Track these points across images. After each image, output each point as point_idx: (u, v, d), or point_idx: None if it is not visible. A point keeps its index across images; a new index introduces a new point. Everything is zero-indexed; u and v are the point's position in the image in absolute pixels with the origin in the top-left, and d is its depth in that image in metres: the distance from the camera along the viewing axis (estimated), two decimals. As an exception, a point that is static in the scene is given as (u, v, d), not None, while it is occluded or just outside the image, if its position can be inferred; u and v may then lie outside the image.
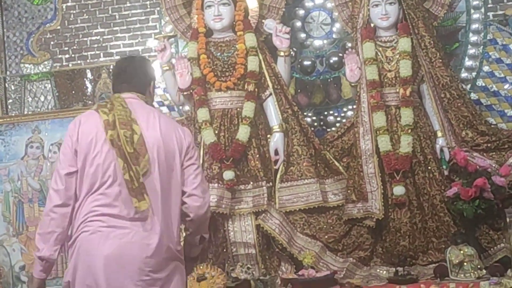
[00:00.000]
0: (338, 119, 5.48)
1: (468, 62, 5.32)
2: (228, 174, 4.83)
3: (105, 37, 5.80)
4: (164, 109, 5.60)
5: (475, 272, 4.48)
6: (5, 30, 6.02)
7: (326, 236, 4.92)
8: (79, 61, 5.86)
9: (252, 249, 4.85)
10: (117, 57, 5.64)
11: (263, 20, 5.17)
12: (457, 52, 5.34)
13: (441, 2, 5.09)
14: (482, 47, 5.32)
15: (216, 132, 4.92)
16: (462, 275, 4.48)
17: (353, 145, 4.98)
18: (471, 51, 5.32)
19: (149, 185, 3.15)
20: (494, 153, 4.88)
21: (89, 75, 5.79)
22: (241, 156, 4.90)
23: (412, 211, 4.82)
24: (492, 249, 4.76)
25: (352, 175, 4.92)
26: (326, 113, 5.51)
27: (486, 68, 5.31)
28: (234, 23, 5.09)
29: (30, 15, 6.00)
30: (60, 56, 5.90)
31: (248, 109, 4.93)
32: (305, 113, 5.34)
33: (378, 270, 4.83)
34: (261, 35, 5.17)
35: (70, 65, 5.87)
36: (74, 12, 5.91)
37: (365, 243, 4.90)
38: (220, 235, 4.92)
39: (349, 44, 5.32)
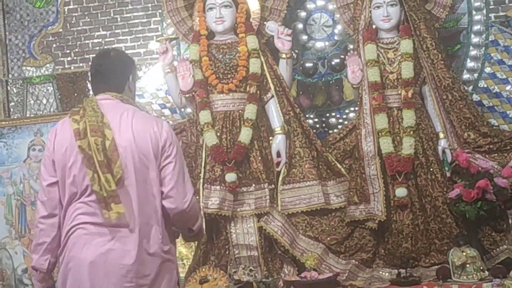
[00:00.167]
0: (340, 121, 5.48)
1: (470, 64, 5.31)
2: (230, 176, 4.83)
3: (107, 39, 5.81)
4: (166, 112, 5.62)
5: (478, 274, 4.47)
6: (7, 33, 6.04)
7: (328, 238, 4.92)
8: (81, 64, 5.87)
9: (255, 251, 4.85)
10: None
11: (265, 22, 5.17)
12: (459, 54, 5.34)
13: (443, 4, 5.08)
14: (484, 48, 5.32)
15: (218, 134, 4.93)
16: (465, 277, 4.47)
17: (355, 147, 4.98)
18: (473, 52, 5.31)
19: (125, 191, 3.12)
20: (496, 154, 4.87)
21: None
22: (243, 158, 4.90)
23: (414, 213, 4.82)
24: (494, 250, 4.75)
25: (354, 177, 4.91)
26: (328, 115, 5.51)
27: (488, 70, 5.31)
28: (236, 25, 5.09)
29: (32, 18, 6.01)
30: (62, 58, 5.91)
31: (250, 111, 4.93)
32: (307, 115, 5.35)
33: (380, 272, 4.83)
34: (263, 37, 5.17)
35: (72, 67, 5.88)
36: (76, 15, 5.92)
37: (367, 245, 4.90)
38: (223, 237, 4.92)
39: (351, 46, 5.33)
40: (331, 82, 5.52)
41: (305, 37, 5.56)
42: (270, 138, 5.04)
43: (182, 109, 5.48)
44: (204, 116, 4.94)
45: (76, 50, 5.88)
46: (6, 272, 5.54)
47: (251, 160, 4.93)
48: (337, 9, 5.23)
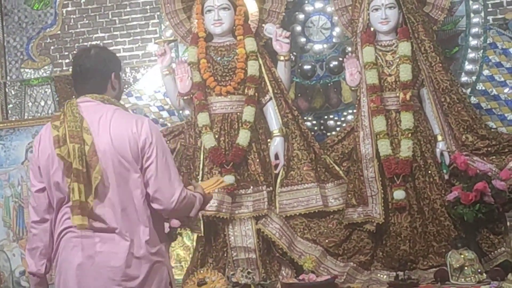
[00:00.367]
0: (338, 123, 5.48)
1: (468, 66, 5.32)
2: (229, 179, 4.82)
3: (105, 41, 5.80)
4: (164, 114, 5.61)
5: (476, 276, 4.48)
6: (5, 35, 6.03)
7: (326, 241, 4.92)
8: (79, 66, 5.85)
9: (253, 254, 4.85)
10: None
11: (263, 25, 5.18)
12: (457, 56, 5.34)
13: (441, 6, 5.08)
14: (482, 51, 5.32)
15: (216, 136, 4.93)
16: (463, 279, 4.48)
17: (353, 150, 4.98)
18: (471, 55, 5.32)
19: (106, 195, 3.09)
20: (494, 157, 4.88)
21: (89, 79, 5.78)
22: (241, 160, 4.90)
23: (413, 215, 4.82)
24: (492, 253, 4.75)
25: (352, 180, 4.92)
26: (326, 117, 5.51)
27: (486, 72, 5.31)
28: (234, 27, 5.10)
29: (30, 20, 6.01)
30: (60, 61, 5.91)
31: (248, 113, 4.93)
32: (305, 118, 5.34)
33: (378, 275, 4.83)
34: (261, 39, 5.18)
35: (70, 69, 5.86)
36: (74, 17, 5.92)
37: (365, 247, 4.90)
38: (221, 240, 4.93)
39: (349, 49, 5.33)
40: (329, 84, 5.52)
41: (303, 40, 5.56)
42: (268, 140, 5.04)
43: (180, 111, 5.48)
44: (202, 118, 4.94)
45: (74, 52, 5.85)
46: (3, 275, 5.53)
47: (249, 162, 4.93)
48: (335, 12, 5.23)
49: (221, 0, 5.04)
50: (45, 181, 3.19)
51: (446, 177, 4.88)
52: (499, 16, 5.37)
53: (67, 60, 5.86)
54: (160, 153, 3.15)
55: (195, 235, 5.07)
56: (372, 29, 5.02)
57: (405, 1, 4.95)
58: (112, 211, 3.09)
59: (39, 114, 5.88)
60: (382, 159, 4.82)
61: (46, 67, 5.96)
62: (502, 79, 5.29)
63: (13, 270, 5.53)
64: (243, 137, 4.89)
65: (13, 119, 5.87)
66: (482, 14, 5.34)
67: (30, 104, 5.93)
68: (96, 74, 3.24)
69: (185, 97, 5.06)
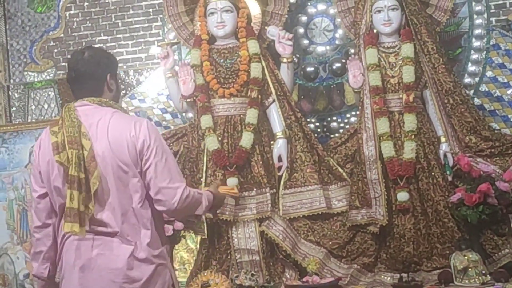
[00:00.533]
0: (342, 125, 5.47)
1: (471, 68, 5.32)
2: (232, 181, 4.82)
3: (108, 44, 5.80)
4: (168, 116, 5.62)
5: (480, 278, 4.47)
6: (8, 38, 6.04)
7: (330, 243, 4.91)
8: (82, 69, 5.86)
9: (256, 256, 4.84)
10: (121, 65, 5.66)
11: (266, 27, 5.18)
12: (460, 58, 5.34)
13: (444, 8, 5.08)
14: (485, 52, 5.32)
15: (220, 139, 4.93)
16: (467, 281, 4.47)
17: (356, 151, 4.98)
18: (474, 56, 5.32)
19: (105, 200, 3.09)
20: (498, 158, 4.87)
21: (92, 82, 5.79)
22: (245, 162, 4.90)
23: (416, 217, 4.82)
24: (496, 254, 4.75)
25: (355, 181, 4.91)
26: (329, 119, 5.51)
27: (489, 73, 5.31)
28: (237, 30, 5.10)
29: (34, 23, 6.02)
30: (63, 63, 5.91)
31: (251, 115, 4.93)
32: (308, 120, 5.35)
33: (382, 276, 4.82)
34: (264, 41, 5.18)
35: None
36: (77, 20, 5.93)
37: (369, 249, 4.89)
38: (224, 242, 4.92)
39: (352, 50, 5.33)
40: (332, 86, 5.52)
41: (306, 42, 5.56)
42: (272, 142, 5.05)
43: (184, 114, 5.49)
44: (206, 121, 4.94)
45: (76, 55, 5.87)
46: (8, 277, 5.54)
47: (253, 164, 4.93)
48: (338, 14, 5.23)
49: (224, 2, 5.04)
50: (46, 186, 3.19)
51: (450, 178, 4.87)
52: (502, 18, 5.37)
53: (70, 63, 5.86)
54: (159, 154, 3.14)
55: (199, 238, 5.08)
56: (375, 31, 5.02)
57: (408, 3, 4.95)
58: (112, 215, 3.09)
59: (42, 117, 5.89)
60: (386, 161, 4.81)
61: (49, 70, 5.97)
62: (506, 80, 5.29)
63: (17, 273, 5.54)
64: (246, 139, 4.89)
65: (17, 122, 5.88)
66: (485, 15, 5.33)
67: (33, 107, 5.94)
68: (91, 77, 3.22)
69: (188, 100, 5.06)
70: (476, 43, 5.32)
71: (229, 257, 4.91)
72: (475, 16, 5.32)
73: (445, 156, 4.91)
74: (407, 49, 4.89)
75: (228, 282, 4.61)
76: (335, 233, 4.94)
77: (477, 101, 5.24)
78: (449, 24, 5.27)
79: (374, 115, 4.87)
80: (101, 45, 5.80)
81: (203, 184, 4.86)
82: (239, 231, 4.87)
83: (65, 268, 3.18)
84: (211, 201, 3.32)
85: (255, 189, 4.89)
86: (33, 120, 5.86)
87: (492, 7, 5.36)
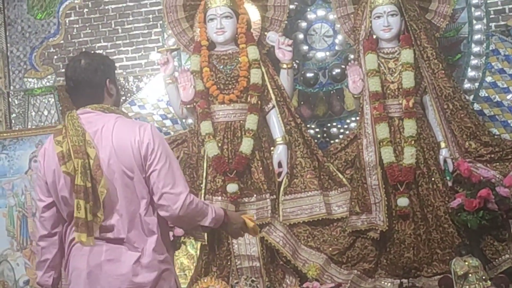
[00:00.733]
0: (341, 131, 5.48)
1: (470, 73, 5.32)
2: (232, 187, 4.83)
3: (108, 51, 5.80)
4: (168, 122, 5.62)
5: (480, 284, 4.47)
6: (8, 45, 6.05)
7: (330, 248, 4.91)
8: (82, 75, 5.86)
9: (257, 262, 4.84)
10: (120, 71, 5.67)
11: (266, 33, 5.18)
12: (460, 63, 5.34)
13: (443, 13, 5.08)
14: (484, 57, 5.32)
15: (220, 145, 4.93)
16: (467, 286, 4.47)
17: (356, 157, 4.98)
18: (474, 61, 5.32)
19: (112, 207, 3.07)
20: (497, 163, 4.88)
21: (92, 89, 5.79)
22: (245, 168, 4.90)
23: (416, 223, 4.81)
24: (496, 260, 4.74)
25: (355, 187, 4.91)
26: (329, 125, 5.51)
27: (488, 79, 5.31)
28: (237, 36, 5.10)
29: (34, 30, 6.03)
30: (63, 70, 5.83)
31: (251, 121, 4.93)
32: (308, 125, 5.35)
33: (382, 282, 4.82)
34: (263, 47, 5.18)
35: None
36: (77, 26, 5.93)
37: (369, 255, 4.89)
38: (224, 248, 4.92)
39: (352, 56, 5.34)
40: (332, 92, 5.52)
41: (305, 47, 5.57)
42: (272, 148, 5.05)
43: (184, 120, 5.48)
44: (206, 127, 4.94)
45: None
46: (8, 284, 5.53)
47: (253, 170, 4.93)
48: (338, 19, 5.23)
49: (224, 8, 5.05)
50: (53, 196, 3.18)
51: (450, 184, 4.87)
52: (502, 23, 5.38)
53: (70, 70, 5.87)
54: (162, 159, 3.11)
55: (199, 244, 5.08)
56: (374, 36, 5.02)
57: (407, 9, 4.95)
58: (120, 222, 3.08)
59: (42, 124, 5.89)
60: (386, 166, 4.81)
61: (49, 77, 5.97)
62: (505, 86, 5.30)
63: (17, 279, 5.53)
64: (246, 145, 4.89)
65: (17, 129, 5.87)
66: (484, 20, 5.34)
67: (33, 113, 5.94)
68: (90, 85, 3.19)
69: (188, 106, 5.07)
70: (475, 49, 5.32)
71: (229, 263, 4.91)
72: (474, 22, 5.33)
73: (445, 161, 4.91)
74: (407, 55, 4.90)
75: (228, 288, 4.61)
76: (335, 239, 4.93)
77: (477, 106, 5.25)
78: (448, 29, 5.28)
79: (374, 120, 4.87)
80: (101, 51, 5.80)
81: (203, 190, 4.86)
82: (239, 237, 4.86)
83: (72, 274, 3.17)
84: (221, 215, 3.25)
85: (255, 195, 4.89)
86: (33, 127, 5.86)
87: (492, 12, 5.37)
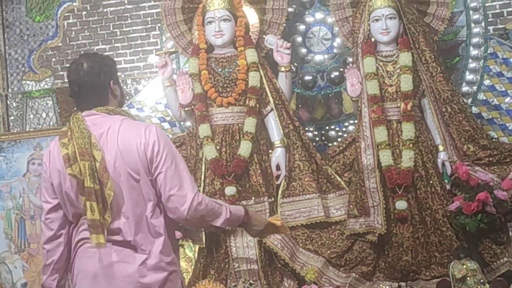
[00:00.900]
0: (340, 134, 5.48)
1: (469, 76, 5.32)
2: (230, 190, 4.83)
3: (106, 53, 5.77)
4: (166, 125, 5.62)
5: (478, 287, 4.46)
6: (6, 47, 6.05)
7: (328, 251, 4.91)
8: (80, 78, 5.86)
9: (255, 265, 4.84)
10: (119, 73, 5.63)
11: (264, 36, 5.19)
12: (458, 66, 5.35)
13: (442, 17, 5.09)
14: (482, 61, 5.33)
15: (218, 147, 4.93)
16: (465, 289, 4.47)
17: (354, 160, 4.98)
18: (472, 65, 5.32)
19: (119, 209, 3.07)
20: (496, 167, 4.87)
21: (90, 91, 5.79)
22: (243, 171, 4.90)
23: (415, 226, 4.81)
24: (495, 263, 4.74)
25: (354, 190, 4.91)
26: (327, 128, 5.51)
27: (487, 82, 5.32)
28: (235, 39, 5.10)
29: (32, 32, 6.03)
30: (61, 73, 5.92)
31: (250, 124, 4.93)
32: (306, 128, 5.34)
33: (381, 285, 4.82)
34: (262, 50, 5.18)
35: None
36: (76, 29, 5.94)
37: (367, 258, 4.89)
38: (222, 251, 4.92)
39: (350, 59, 5.34)
40: (330, 95, 5.52)
41: (304, 50, 5.57)
42: (270, 151, 5.05)
43: (182, 123, 5.48)
44: (204, 130, 4.94)
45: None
46: (5, 287, 5.52)
47: (251, 173, 4.93)
48: (336, 23, 5.24)
49: (222, 11, 5.05)
50: (59, 198, 3.18)
51: (448, 187, 4.87)
52: (500, 26, 5.38)
53: (68, 72, 5.87)
54: (168, 160, 3.10)
55: (197, 247, 5.06)
56: (372, 39, 5.03)
57: (405, 12, 4.96)
58: (127, 225, 3.08)
59: (40, 126, 5.89)
60: (384, 169, 4.81)
61: (47, 79, 5.97)
62: (503, 89, 5.30)
63: (14, 282, 5.52)
64: (244, 148, 4.89)
65: (15, 131, 5.87)
66: (483, 24, 5.34)
67: (31, 116, 5.94)
68: (95, 88, 3.18)
69: (187, 109, 5.07)
70: (474, 52, 5.33)
71: (227, 266, 4.90)
72: (472, 25, 5.33)
73: (443, 164, 4.91)
74: (405, 58, 4.90)
75: (226, 291, 4.61)
76: (333, 242, 4.93)
77: (475, 109, 5.25)
78: (447, 33, 5.28)
79: (372, 123, 4.87)
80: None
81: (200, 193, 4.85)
82: (237, 240, 4.87)
83: (78, 276, 3.16)
84: (239, 216, 3.21)
85: (253, 198, 4.89)
86: (31, 129, 5.86)
87: (490, 16, 5.38)
